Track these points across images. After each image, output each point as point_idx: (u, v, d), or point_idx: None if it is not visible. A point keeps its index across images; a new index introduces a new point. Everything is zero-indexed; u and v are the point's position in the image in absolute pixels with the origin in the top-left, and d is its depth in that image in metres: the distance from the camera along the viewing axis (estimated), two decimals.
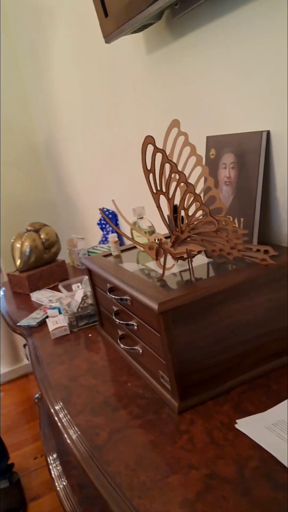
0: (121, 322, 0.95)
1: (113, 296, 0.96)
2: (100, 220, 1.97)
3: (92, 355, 1.09)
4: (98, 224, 1.99)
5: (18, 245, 1.78)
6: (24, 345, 1.54)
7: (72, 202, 2.43)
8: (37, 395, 1.52)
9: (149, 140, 0.76)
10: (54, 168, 2.56)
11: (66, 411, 0.86)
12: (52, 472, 1.16)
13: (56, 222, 2.33)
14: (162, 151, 0.76)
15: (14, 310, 1.62)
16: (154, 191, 0.81)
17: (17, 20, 2.34)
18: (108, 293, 0.99)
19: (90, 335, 1.20)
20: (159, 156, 0.76)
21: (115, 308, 1.00)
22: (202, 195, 0.84)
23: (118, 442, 0.74)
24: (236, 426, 0.70)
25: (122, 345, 0.98)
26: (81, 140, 2.04)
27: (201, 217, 0.82)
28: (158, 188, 0.80)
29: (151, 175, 0.79)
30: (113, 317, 0.99)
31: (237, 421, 0.71)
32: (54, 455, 1.18)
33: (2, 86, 2.47)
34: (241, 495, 0.58)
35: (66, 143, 2.25)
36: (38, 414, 1.67)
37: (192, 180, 0.82)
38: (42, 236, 1.80)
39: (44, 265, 1.79)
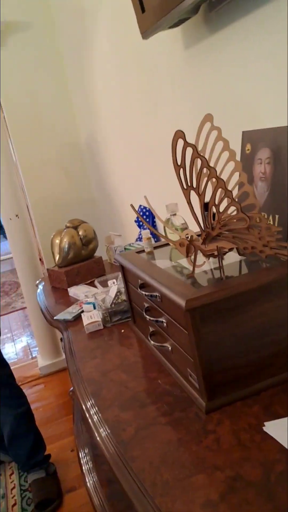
0: (151, 318, 0.95)
1: (144, 292, 0.95)
2: (137, 217, 1.98)
3: (124, 351, 1.09)
4: (135, 221, 1.99)
5: (57, 241, 1.82)
6: (61, 339, 1.57)
7: (111, 199, 2.45)
8: (72, 389, 1.55)
9: (179, 134, 0.75)
10: (94, 166, 2.59)
11: (96, 407, 0.87)
12: (83, 468, 1.17)
13: (96, 219, 2.37)
14: (193, 146, 0.75)
15: (53, 304, 1.66)
16: (185, 187, 0.80)
17: (62, 22, 2.38)
18: (139, 289, 0.99)
19: (122, 330, 1.21)
20: (190, 151, 0.75)
21: (146, 305, 1.00)
22: (235, 191, 0.82)
23: (144, 439, 0.74)
24: (264, 428, 0.68)
25: (152, 342, 0.97)
26: (120, 137, 2.05)
27: (234, 213, 0.80)
28: (189, 184, 0.79)
29: (181, 171, 0.78)
30: (144, 313, 0.99)
31: (265, 423, 0.69)
32: (86, 450, 1.19)
33: (47, 87, 2.52)
34: (265, 499, 0.56)
35: (106, 141, 2.27)
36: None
37: (224, 176, 0.81)
38: (80, 233, 1.83)
39: (82, 261, 1.81)
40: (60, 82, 2.55)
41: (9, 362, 1.88)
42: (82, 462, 1.20)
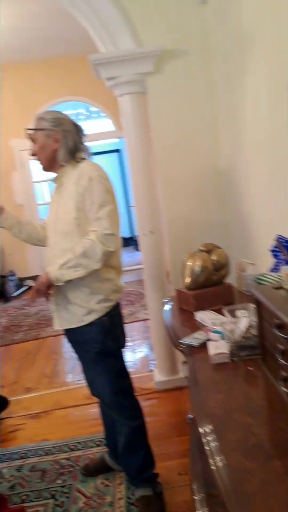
0: (286, 363, 0.89)
1: (280, 334, 0.90)
2: (275, 247, 1.89)
3: (250, 391, 1.04)
4: (271, 251, 1.91)
5: (190, 264, 1.83)
6: (184, 362, 1.57)
7: (247, 226, 2.40)
8: (191, 416, 1.53)
9: None
10: (231, 191, 2.57)
11: (219, 449, 0.84)
12: (195, 497, 1.15)
13: (226, 244, 2.33)
14: None
15: (178, 325, 1.67)
16: None
17: (218, 47, 2.43)
18: (274, 329, 0.94)
19: (250, 368, 1.15)
20: None
21: (280, 347, 0.94)
22: None
23: (270, 496, 0.69)
24: None
25: (283, 388, 0.91)
26: (265, 163, 2.00)
27: None
28: None
29: None
30: (277, 355, 0.93)
31: None
32: (200, 482, 1.16)
33: (196, 112, 2.59)
34: None
35: (248, 165, 2.23)
36: (188, 431, 1.68)
37: None
38: (213, 258, 1.82)
39: (211, 286, 1.80)
40: (209, 108, 2.60)
41: None
42: (194, 492, 1.17)
